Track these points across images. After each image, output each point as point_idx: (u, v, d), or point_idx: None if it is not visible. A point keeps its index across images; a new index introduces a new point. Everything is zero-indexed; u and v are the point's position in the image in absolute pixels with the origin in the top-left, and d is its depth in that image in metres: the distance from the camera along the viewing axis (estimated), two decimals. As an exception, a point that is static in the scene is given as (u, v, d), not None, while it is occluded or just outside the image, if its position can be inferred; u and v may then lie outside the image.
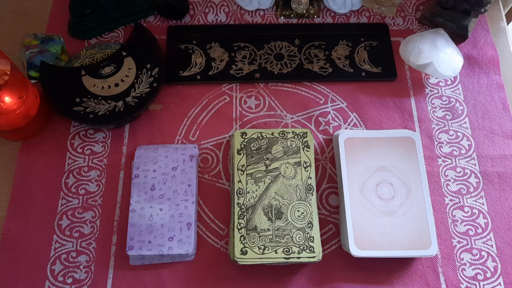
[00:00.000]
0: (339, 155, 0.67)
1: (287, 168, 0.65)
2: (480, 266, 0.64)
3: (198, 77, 0.75)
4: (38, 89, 0.70)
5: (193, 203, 0.65)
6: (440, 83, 0.77)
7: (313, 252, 0.60)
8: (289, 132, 0.68)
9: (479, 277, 0.63)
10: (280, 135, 0.68)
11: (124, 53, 0.73)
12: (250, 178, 0.65)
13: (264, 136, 0.67)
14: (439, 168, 0.70)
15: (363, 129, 0.73)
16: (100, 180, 0.68)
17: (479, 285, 0.63)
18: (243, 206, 0.63)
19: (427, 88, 0.76)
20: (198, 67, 0.76)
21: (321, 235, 0.65)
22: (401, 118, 0.74)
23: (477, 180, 0.69)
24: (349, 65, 0.77)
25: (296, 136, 0.68)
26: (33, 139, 0.70)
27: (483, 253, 0.65)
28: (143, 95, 0.70)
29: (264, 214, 0.62)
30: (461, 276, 0.63)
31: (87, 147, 0.70)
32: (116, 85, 0.71)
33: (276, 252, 0.60)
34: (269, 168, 0.65)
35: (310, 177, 0.65)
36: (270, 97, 0.75)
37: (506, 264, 0.64)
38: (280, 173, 0.65)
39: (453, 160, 0.71)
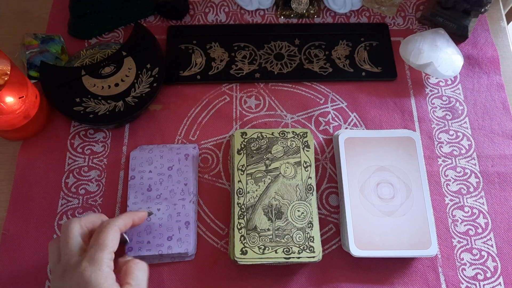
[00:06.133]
0: (339, 155, 0.67)
1: (287, 168, 0.65)
2: (480, 266, 0.64)
3: (198, 77, 0.75)
4: (38, 89, 0.70)
5: (190, 201, 0.65)
6: (440, 83, 0.77)
7: (313, 252, 0.60)
8: (289, 132, 0.68)
9: (479, 277, 0.63)
10: (280, 135, 0.68)
11: (124, 53, 0.73)
12: (250, 178, 0.64)
13: (264, 136, 0.67)
14: (439, 168, 0.70)
15: (363, 129, 0.73)
16: (100, 180, 0.68)
17: (479, 285, 0.63)
18: (243, 206, 0.63)
19: (427, 88, 0.76)
20: (198, 67, 0.76)
21: (321, 235, 0.65)
22: (401, 118, 0.74)
23: (477, 180, 0.69)
24: (349, 65, 0.77)
25: (296, 136, 0.68)
26: (33, 139, 0.70)
27: (483, 253, 0.65)
28: (143, 95, 0.70)
29: (264, 214, 0.62)
30: (461, 276, 0.63)
31: (87, 147, 0.70)
32: (116, 85, 0.71)
33: (276, 252, 0.60)
34: (269, 168, 0.65)
35: (310, 177, 0.65)
36: (270, 97, 0.75)
37: (506, 264, 0.64)
38: (280, 173, 0.65)
39: (453, 160, 0.71)
